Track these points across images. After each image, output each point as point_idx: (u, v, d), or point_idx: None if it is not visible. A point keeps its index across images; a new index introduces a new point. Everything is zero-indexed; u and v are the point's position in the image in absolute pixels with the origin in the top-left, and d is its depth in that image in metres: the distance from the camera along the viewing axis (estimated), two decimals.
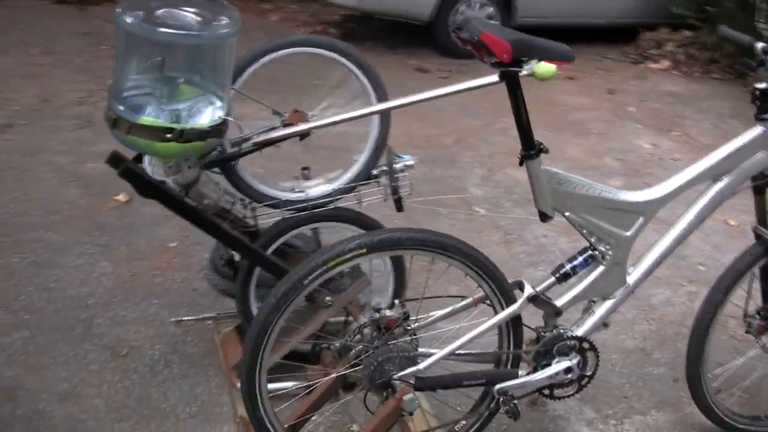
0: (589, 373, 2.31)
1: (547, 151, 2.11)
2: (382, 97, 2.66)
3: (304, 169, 2.75)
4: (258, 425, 2.14)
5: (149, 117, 2.10)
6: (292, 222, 2.64)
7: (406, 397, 2.07)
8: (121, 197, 4.04)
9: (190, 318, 3.11)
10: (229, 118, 2.19)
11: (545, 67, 2.37)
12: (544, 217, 2.19)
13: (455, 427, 2.36)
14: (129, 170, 2.31)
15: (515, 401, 2.22)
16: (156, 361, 2.88)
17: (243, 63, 2.54)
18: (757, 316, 2.56)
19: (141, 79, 2.15)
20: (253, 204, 2.64)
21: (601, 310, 2.32)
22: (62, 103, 5.44)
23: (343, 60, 2.63)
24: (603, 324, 2.38)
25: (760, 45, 2.25)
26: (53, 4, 8.10)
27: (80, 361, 2.84)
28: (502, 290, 2.18)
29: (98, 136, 4.64)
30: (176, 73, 2.15)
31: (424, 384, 2.15)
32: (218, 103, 2.20)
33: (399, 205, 2.62)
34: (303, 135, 2.60)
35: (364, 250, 2.04)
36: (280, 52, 2.57)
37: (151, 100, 2.12)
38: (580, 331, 2.29)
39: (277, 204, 2.63)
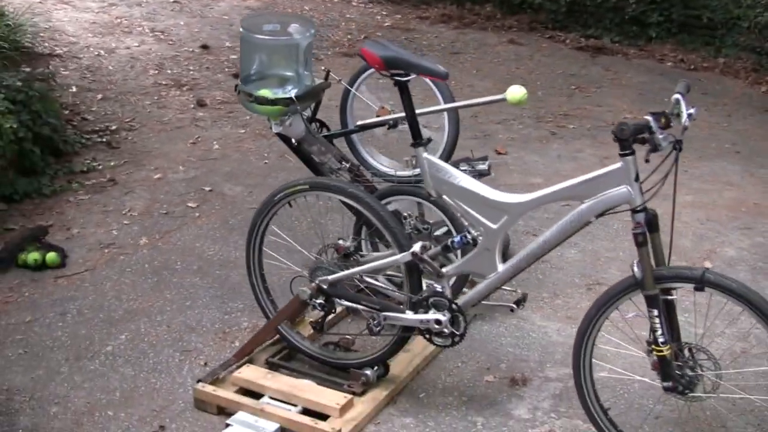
0: (459, 332, 2.90)
1: (427, 143, 2.84)
2: (447, 101, 3.55)
3: (412, 157, 3.74)
4: (252, 288, 3.35)
5: (259, 89, 3.43)
6: (386, 189, 3.66)
7: (301, 287, 3.07)
8: None
9: None
10: (292, 95, 3.36)
11: (512, 93, 3.05)
12: (429, 195, 2.90)
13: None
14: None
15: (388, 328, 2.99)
16: None
17: (357, 72, 3.71)
18: (652, 347, 2.65)
19: (261, 67, 3.48)
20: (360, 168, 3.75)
21: (479, 287, 2.88)
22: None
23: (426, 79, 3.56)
24: (510, 310, 2.94)
25: None
26: (571, 50, 9.35)
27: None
28: (398, 244, 2.95)
29: None
30: (278, 63, 3.43)
31: (331, 290, 3.06)
32: (292, 85, 3.41)
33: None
34: (390, 125, 3.63)
35: (307, 187, 3.07)
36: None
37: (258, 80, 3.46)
38: (459, 299, 2.90)
39: (375, 173, 3.72)
